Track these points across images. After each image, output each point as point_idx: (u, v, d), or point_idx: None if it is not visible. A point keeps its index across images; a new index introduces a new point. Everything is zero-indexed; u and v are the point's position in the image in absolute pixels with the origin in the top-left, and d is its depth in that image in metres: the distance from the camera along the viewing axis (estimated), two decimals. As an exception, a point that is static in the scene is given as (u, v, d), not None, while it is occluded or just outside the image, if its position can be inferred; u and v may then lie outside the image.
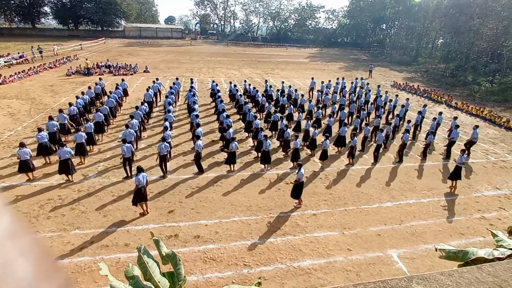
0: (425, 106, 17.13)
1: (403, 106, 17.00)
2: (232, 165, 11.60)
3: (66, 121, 13.05)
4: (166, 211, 9.11)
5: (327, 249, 7.91)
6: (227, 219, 8.88)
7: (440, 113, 15.61)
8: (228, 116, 13.89)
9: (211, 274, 6.96)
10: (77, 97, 15.74)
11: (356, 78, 24.16)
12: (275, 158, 12.67)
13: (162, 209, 9.17)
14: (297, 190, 9.39)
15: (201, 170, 11.29)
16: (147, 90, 16.94)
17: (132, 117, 12.82)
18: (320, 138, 13.45)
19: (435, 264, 7.43)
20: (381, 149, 13.20)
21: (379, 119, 15.45)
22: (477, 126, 13.81)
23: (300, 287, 6.75)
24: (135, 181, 8.43)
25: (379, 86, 21.18)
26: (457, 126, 13.41)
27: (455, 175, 10.90)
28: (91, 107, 16.57)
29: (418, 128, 15.85)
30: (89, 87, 17.35)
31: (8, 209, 0.44)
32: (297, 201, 9.66)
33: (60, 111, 13.08)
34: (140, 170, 8.58)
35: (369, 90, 20.51)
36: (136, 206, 8.80)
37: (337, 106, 18.65)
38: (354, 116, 16.05)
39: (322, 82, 20.98)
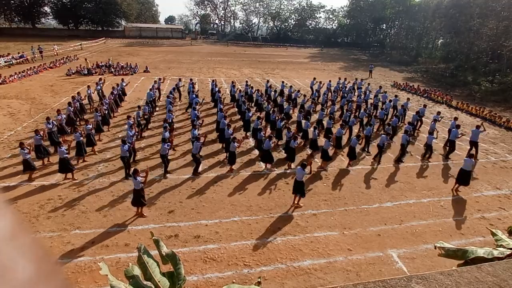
0: (425, 106, 17.09)
1: (402, 106, 17.00)
2: (231, 165, 11.58)
3: (64, 121, 13.16)
4: (166, 211, 9.11)
5: (327, 249, 7.91)
6: (227, 219, 8.88)
7: (439, 112, 15.55)
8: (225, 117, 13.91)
9: (211, 274, 6.97)
10: (73, 97, 15.81)
11: (356, 79, 24.15)
12: (275, 158, 12.65)
13: (162, 209, 9.17)
14: (300, 188, 9.41)
15: (196, 172, 11.20)
16: (150, 90, 17.10)
17: (129, 117, 12.90)
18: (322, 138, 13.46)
19: (435, 264, 7.42)
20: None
21: (374, 118, 15.49)
22: (478, 126, 13.46)
23: (300, 287, 6.75)
24: (138, 184, 8.38)
25: (380, 87, 21.17)
26: (458, 126, 13.29)
27: (462, 180, 10.67)
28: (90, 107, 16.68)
29: (418, 129, 15.82)
30: (88, 87, 17.47)
31: (7, 209, 0.43)
32: (295, 197, 9.65)
33: (58, 111, 13.18)
34: (136, 172, 8.56)
35: (369, 91, 20.51)
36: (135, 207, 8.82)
37: (336, 106, 18.64)
38: (352, 116, 16.06)
39: (319, 82, 21.10)
